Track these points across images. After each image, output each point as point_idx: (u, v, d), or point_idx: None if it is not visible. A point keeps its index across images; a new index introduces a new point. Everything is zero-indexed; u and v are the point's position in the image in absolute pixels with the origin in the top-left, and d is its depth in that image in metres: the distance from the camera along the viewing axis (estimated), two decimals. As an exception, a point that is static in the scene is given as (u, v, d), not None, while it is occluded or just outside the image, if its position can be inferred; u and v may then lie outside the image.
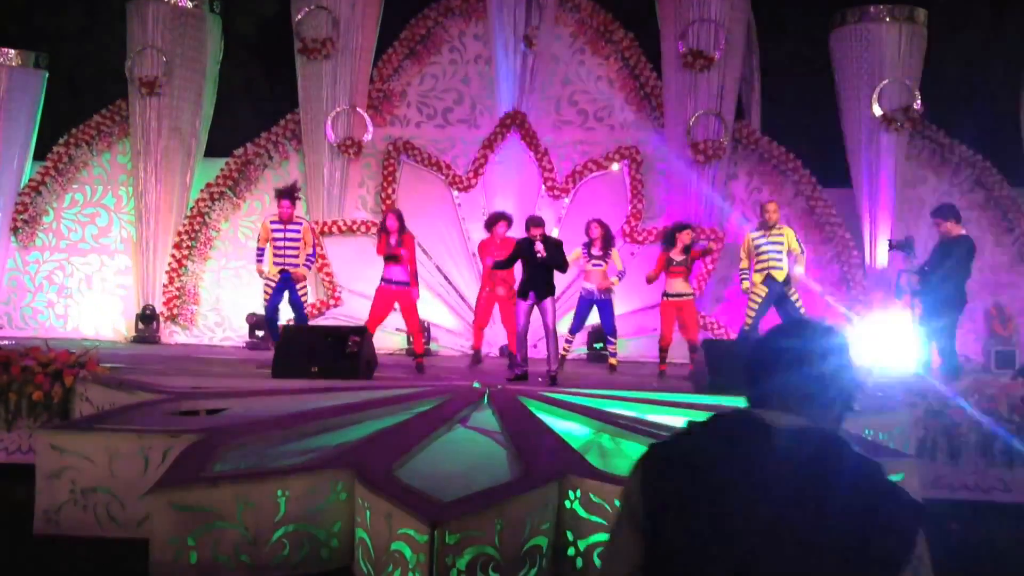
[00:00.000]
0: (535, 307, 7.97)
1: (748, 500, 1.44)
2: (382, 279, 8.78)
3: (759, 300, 8.59)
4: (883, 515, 1.43)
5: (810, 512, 1.41)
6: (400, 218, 8.81)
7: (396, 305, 8.79)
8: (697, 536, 1.46)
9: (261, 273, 9.00)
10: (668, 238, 9.12)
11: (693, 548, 1.47)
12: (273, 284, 8.80)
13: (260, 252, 9.02)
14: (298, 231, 8.76)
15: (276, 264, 8.78)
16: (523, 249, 8.02)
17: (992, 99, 13.46)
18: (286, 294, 8.87)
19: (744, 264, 8.90)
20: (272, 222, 8.84)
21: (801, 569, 1.40)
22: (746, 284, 8.86)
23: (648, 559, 1.53)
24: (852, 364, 1.60)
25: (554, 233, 11.35)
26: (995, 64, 13.63)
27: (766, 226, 8.68)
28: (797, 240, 8.79)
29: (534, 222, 8.12)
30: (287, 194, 8.84)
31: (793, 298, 8.58)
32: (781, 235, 8.62)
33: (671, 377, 8.80)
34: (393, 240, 8.66)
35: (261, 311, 11.47)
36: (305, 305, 9.02)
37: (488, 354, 11.52)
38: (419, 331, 9.03)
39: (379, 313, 8.76)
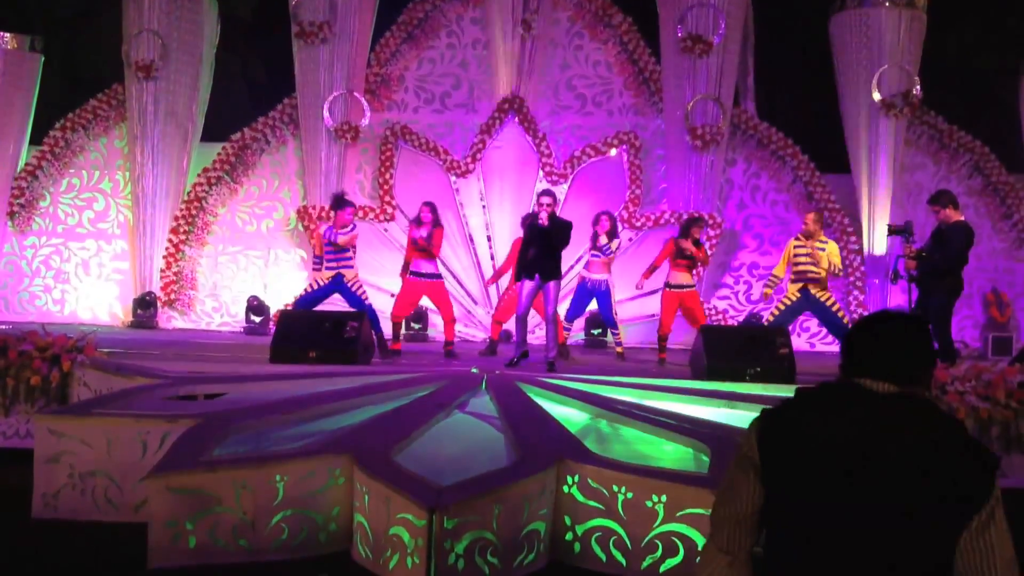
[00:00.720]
0: (539, 289, 7.75)
1: (855, 455, 1.73)
2: (411, 272, 8.77)
3: (788, 303, 8.49)
4: (966, 463, 1.71)
5: (907, 462, 1.70)
6: (434, 211, 8.75)
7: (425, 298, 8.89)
8: (815, 484, 1.74)
9: (316, 281, 8.84)
10: (684, 230, 9.09)
11: (812, 494, 1.75)
12: (320, 284, 8.61)
13: (317, 260, 8.93)
14: (349, 235, 8.62)
15: (329, 268, 8.59)
16: (527, 226, 7.84)
17: (991, 85, 13.45)
18: (335, 296, 8.77)
19: (779, 272, 8.69)
20: (327, 229, 8.67)
21: (902, 511, 1.68)
22: (767, 291, 8.75)
23: (769, 506, 1.82)
24: (932, 346, 1.94)
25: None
26: (994, 50, 13.60)
27: (807, 235, 8.50)
28: (840, 257, 8.57)
29: (546, 192, 7.89)
30: (348, 203, 8.72)
31: (829, 303, 8.42)
32: (823, 248, 8.39)
33: (672, 363, 8.80)
34: (424, 232, 8.62)
35: (261, 294, 11.48)
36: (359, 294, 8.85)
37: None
38: (452, 320, 9.01)
39: (407, 304, 8.78)
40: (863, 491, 1.72)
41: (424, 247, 8.59)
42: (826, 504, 1.74)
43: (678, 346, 10.16)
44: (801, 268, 8.40)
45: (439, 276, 8.83)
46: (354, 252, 8.76)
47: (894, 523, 1.70)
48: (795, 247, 8.49)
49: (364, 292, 8.73)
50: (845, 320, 8.50)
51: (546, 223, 7.61)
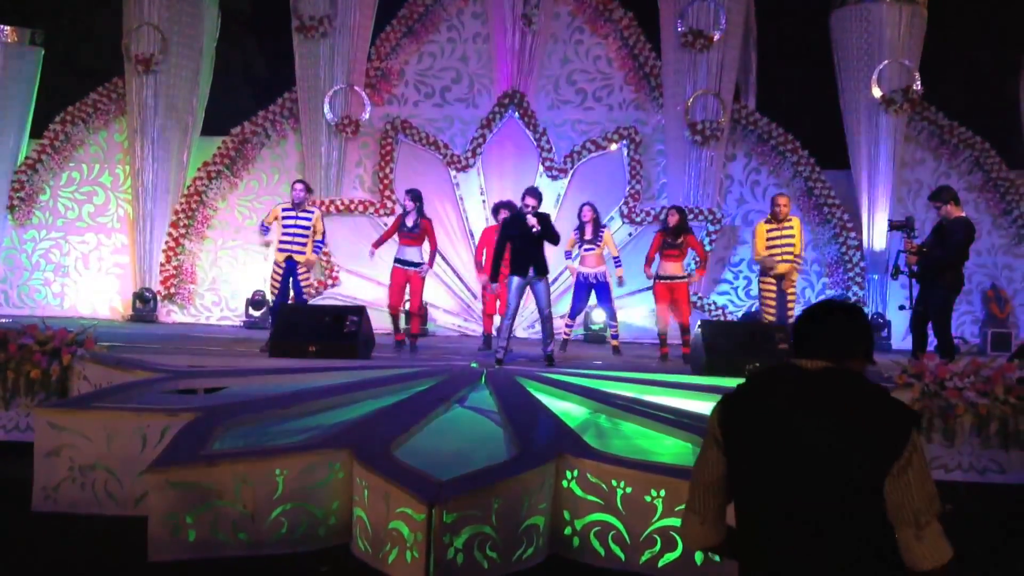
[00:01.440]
0: (528, 287, 7.72)
1: (792, 422, 2.03)
2: (396, 259, 8.79)
3: (772, 294, 8.54)
4: (883, 420, 1.98)
5: (834, 421, 1.99)
6: (416, 198, 8.80)
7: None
8: (761, 453, 2.06)
9: (265, 234, 8.99)
10: (663, 222, 9.12)
11: (759, 461, 2.06)
12: (280, 272, 8.61)
13: (265, 229, 8.86)
14: (309, 219, 8.60)
15: (282, 251, 8.57)
16: (513, 224, 7.79)
17: (992, 80, 13.43)
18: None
19: (762, 253, 8.71)
20: (284, 209, 8.68)
21: (832, 463, 1.96)
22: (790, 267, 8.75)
23: (731, 470, 2.14)
24: (864, 325, 2.19)
25: (553, 214, 11.36)
26: (995, 45, 13.58)
27: (776, 219, 8.56)
28: (801, 233, 8.66)
29: (530, 192, 7.82)
30: (303, 181, 8.77)
31: (788, 289, 8.53)
32: (791, 227, 8.53)
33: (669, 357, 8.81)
34: (410, 222, 8.65)
35: (264, 288, 11.46)
36: (304, 291, 8.91)
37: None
38: (420, 311, 9.10)
39: (399, 293, 8.78)
40: (797, 456, 2.00)
41: (412, 237, 8.68)
42: (771, 470, 2.04)
43: (653, 339, 10.14)
44: (773, 252, 8.51)
45: (421, 266, 8.83)
46: (320, 243, 8.81)
47: (828, 482, 1.97)
48: (767, 232, 8.59)
49: (308, 281, 8.82)
50: (790, 314, 8.51)
51: (539, 228, 7.59)
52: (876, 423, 1.98)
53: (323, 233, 8.93)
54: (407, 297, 8.89)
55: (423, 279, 8.85)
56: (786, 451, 2.02)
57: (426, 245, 8.86)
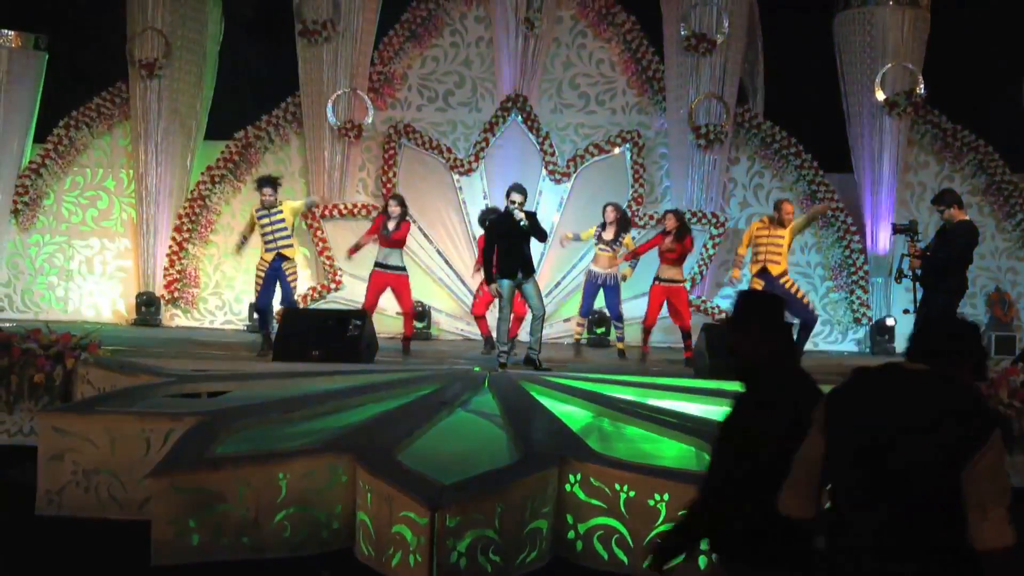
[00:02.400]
0: (518, 288, 7.72)
1: (889, 417, 2.29)
2: (376, 263, 8.80)
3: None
4: (969, 419, 2.23)
5: (929, 419, 2.24)
6: (402, 204, 8.85)
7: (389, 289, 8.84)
8: (862, 439, 2.31)
9: (240, 247, 8.96)
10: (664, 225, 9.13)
11: (860, 448, 2.31)
12: (264, 272, 8.58)
13: (244, 240, 8.89)
14: (282, 212, 8.68)
15: (269, 250, 8.58)
16: (500, 224, 7.77)
17: (995, 84, 13.42)
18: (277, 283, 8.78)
19: (742, 251, 8.81)
20: (257, 210, 8.69)
21: (927, 454, 2.21)
22: (735, 273, 8.83)
23: (831, 453, 2.38)
24: (975, 341, 2.49)
25: (556, 218, 11.37)
26: (998, 49, 13.57)
27: (777, 223, 8.57)
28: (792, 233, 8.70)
29: (516, 188, 7.81)
30: (269, 182, 8.75)
31: (790, 287, 8.49)
32: (782, 235, 8.53)
33: (669, 362, 8.80)
34: (392, 225, 8.70)
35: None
36: (295, 291, 8.89)
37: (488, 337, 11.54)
38: (411, 315, 9.11)
39: (375, 297, 8.77)
40: (894, 441, 2.26)
41: (394, 239, 8.71)
42: (867, 456, 2.29)
43: (658, 343, 10.12)
44: (760, 251, 8.55)
45: (404, 269, 8.87)
46: (291, 230, 8.82)
47: (916, 468, 2.23)
48: (757, 230, 8.59)
49: (292, 277, 8.79)
50: (806, 301, 8.49)
51: (526, 221, 7.60)
52: (962, 421, 2.23)
53: (300, 213, 9.08)
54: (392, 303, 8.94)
55: (408, 282, 8.89)
56: (883, 438, 2.27)
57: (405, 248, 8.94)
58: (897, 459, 2.24)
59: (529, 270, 7.74)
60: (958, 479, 2.18)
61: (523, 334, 8.71)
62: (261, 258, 8.65)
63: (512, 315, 9.21)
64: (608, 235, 9.06)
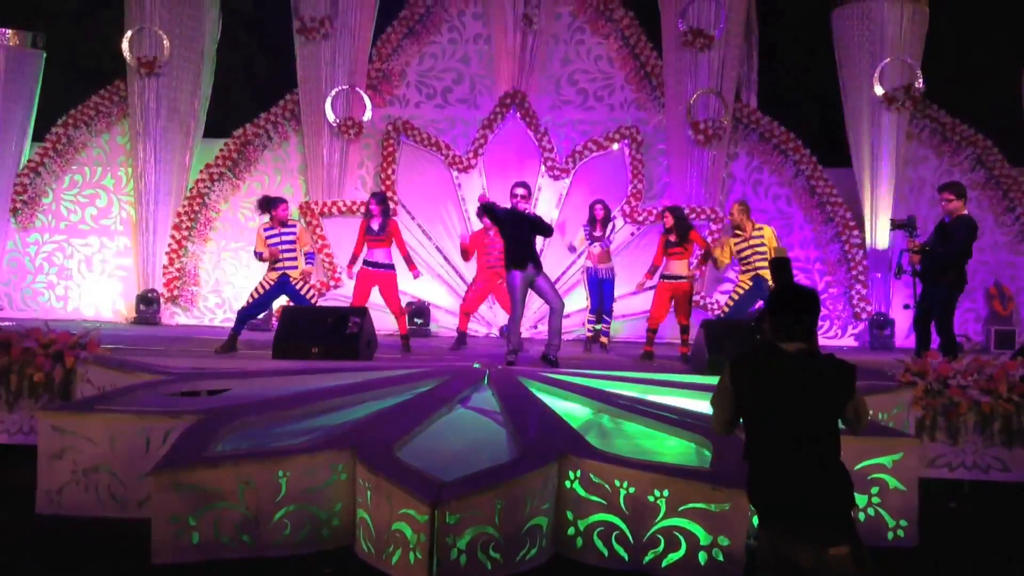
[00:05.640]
0: (531, 286, 7.69)
1: (778, 385, 3.01)
2: (364, 261, 8.80)
3: (741, 292, 8.52)
4: (839, 378, 3.06)
5: (807, 384, 3.00)
6: (382, 201, 8.84)
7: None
8: (758, 401, 3.04)
9: (263, 284, 8.63)
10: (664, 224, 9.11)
11: (757, 408, 3.05)
12: (268, 286, 8.48)
13: (260, 255, 8.65)
14: (293, 233, 8.55)
15: (276, 269, 8.47)
16: (510, 216, 7.73)
17: (993, 78, 13.41)
18: (284, 298, 8.72)
19: (718, 255, 8.74)
20: (266, 228, 8.56)
21: (808, 412, 2.97)
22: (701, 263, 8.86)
23: (739, 412, 3.13)
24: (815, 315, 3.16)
25: (554, 214, 11.37)
26: (997, 43, 13.56)
27: (740, 228, 8.56)
28: (777, 237, 8.63)
29: (521, 184, 7.95)
30: (282, 200, 8.69)
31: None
32: (761, 235, 8.47)
33: (667, 358, 8.79)
34: (376, 225, 8.69)
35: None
36: (311, 300, 8.83)
37: (488, 335, 11.55)
38: (401, 312, 9.07)
39: (361, 296, 8.74)
40: (785, 403, 2.98)
41: (380, 239, 8.71)
42: (771, 409, 3.01)
43: (662, 340, 10.11)
44: (749, 264, 8.48)
45: (392, 267, 8.84)
46: (311, 254, 8.77)
47: (812, 413, 2.98)
48: (735, 244, 8.56)
49: (310, 292, 8.73)
50: None
51: (533, 212, 7.66)
52: (835, 380, 3.05)
53: (311, 245, 8.91)
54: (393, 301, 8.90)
55: (395, 279, 8.88)
56: (780, 399, 2.99)
57: (400, 250, 8.89)
58: (795, 412, 2.98)
59: (537, 264, 7.74)
60: (837, 420, 3.05)
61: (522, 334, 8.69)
62: (265, 277, 8.57)
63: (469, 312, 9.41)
64: (598, 231, 9.12)
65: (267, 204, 8.58)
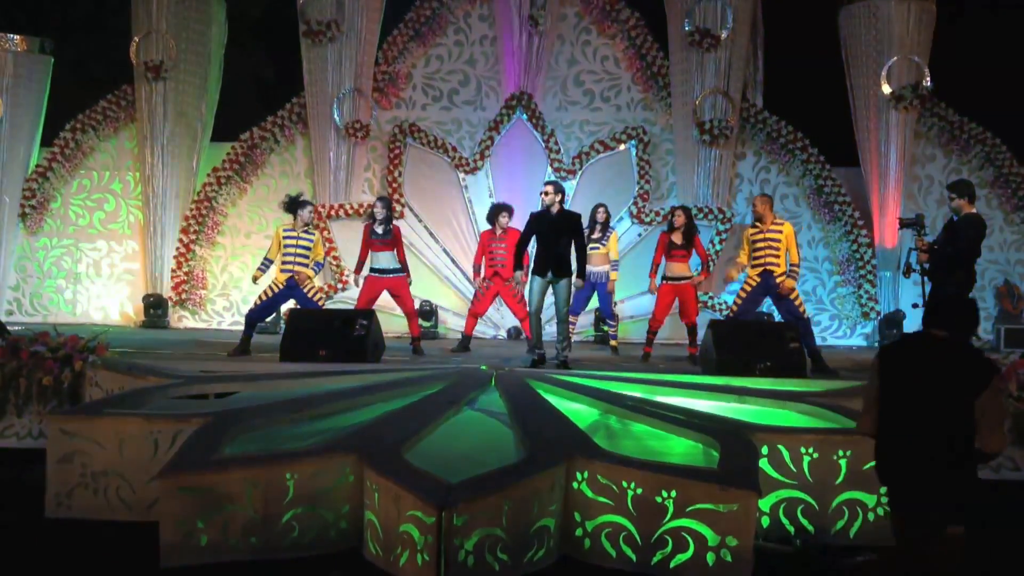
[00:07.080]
0: (550, 286, 7.61)
1: (926, 371, 3.42)
2: (371, 269, 8.77)
3: (749, 289, 8.38)
4: (977, 366, 3.39)
5: (950, 372, 3.38)
6: (387, 206, 8.81)
7: (386, 292, 8.82)
8: (898, 380, 3.46)
9: (256, 280, 8.69)
10: (668, 224, 9.05)
11: (896, 386, 3.45)
12: (276, 288, 8.51)
13: (268, 263, 8.69)
14: (311, 240, 8.54)
15: (285, 271, 8.47)
16: (540, 220, 7.67)
17: (1002, 75, 13.35)
18: (290, 301, 8.71)
19: (742, 259, 8.55)
20: (285, 230, 8.57)
21: (939, 393, 3.35)
22: (732, 274, 8.65)
23: (883, 398, 3.49)
24: (972, 315, 3.61)
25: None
26: (1005, 40, 13.50)
27: (760, 220, 8.41)
28: (795, 241, 8.32)
29: (552, 183, 7.81)
30: (309, 203, 8.69)
31: (793, 298, 8.21)
32: (780, 230, 8.27)
33: (675, 358, 8.77)
34: (380, 230, 8.66)
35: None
36: (320, 304, 8.83)
37: (496, 336, 11.55)
38: (415, 314, 9.07)
39: (367, 302, 8.71)
40: (930, 389, 3.37)
41: (386, 244, 8.68)
42: (907, 387, 3.42)
43: (664, 340, 10.09)
44: (759, 255, 8.26)
45: (399, 271, 8.79)
46: (319, 264, 8.77)
47: (944, 402, 3.33)
48: (750, 235, 8.40)
49: (317, 295, 8.73)
50: (802, 310, 8.21)
51: (556, 211, 7.57)
52: (972, 371, 3.34)
53: (323, 257, 8.92)
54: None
55: (408, 283, 8.86)
56: (919, 385, 3.38)
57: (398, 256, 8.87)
58: (930, 398, 3.34)
59: (563, 270, 7.59)
60: (972, 405, 3.28)
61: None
62: (275, 279, 8.57)
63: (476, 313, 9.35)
64: (596, 233, 9.10)
65: (293, 204, 8.60)
